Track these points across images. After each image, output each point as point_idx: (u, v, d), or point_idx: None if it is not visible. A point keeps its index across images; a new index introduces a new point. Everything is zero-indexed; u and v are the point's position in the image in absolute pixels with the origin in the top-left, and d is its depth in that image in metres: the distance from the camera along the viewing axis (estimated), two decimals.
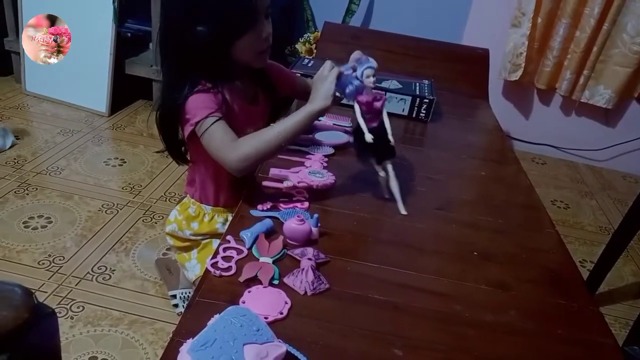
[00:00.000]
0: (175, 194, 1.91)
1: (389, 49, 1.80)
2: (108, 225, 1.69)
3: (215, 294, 0.69)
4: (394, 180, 0.94)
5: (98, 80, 2.39)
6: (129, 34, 2.57)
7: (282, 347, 0.57)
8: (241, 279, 0.71)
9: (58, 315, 0.94)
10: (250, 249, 0.78)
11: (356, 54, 0.92)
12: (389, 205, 0.97)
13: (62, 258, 1.52)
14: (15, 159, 2.00)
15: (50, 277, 1.45)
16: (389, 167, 0.94)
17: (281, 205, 0.90)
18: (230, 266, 0.74)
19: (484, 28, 2.47)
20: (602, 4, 2.26)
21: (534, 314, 0.75)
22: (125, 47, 2.46)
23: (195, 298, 0.68)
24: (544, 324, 0.73)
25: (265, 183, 0.97)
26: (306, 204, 0.92)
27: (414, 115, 1.43)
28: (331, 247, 0.81)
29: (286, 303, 0.68)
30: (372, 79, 0.87)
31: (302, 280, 0.71)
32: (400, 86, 1.46)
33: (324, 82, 0.89)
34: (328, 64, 0.91)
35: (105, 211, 1.76)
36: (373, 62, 0.89)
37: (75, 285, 1.43)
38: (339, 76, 0.89)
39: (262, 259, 0.76)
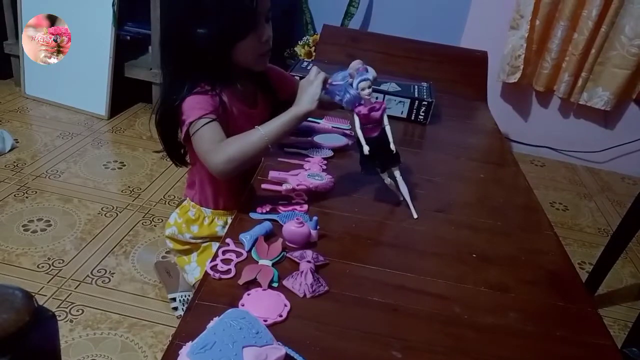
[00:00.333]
0: (175, 196, 1.91)
1: (388, 52, 1.80)
2: (107, 228, 1.69)
3: (214, 297, 0.69)
4: (403, 186, 0.95)
5: (97, 84, 2.39)
6: (129, 37, 2.58)
7: (281, 350, 0.57)
8: (240, 281, 0.71)
9: (57, 318, 0.94)
10: (249, 251, 0.78)
11: (355, 64, 0.92)
12: (388, 207, 0.98)
13: (61, 261, 1.52)
14: (14, 162, 2.00)
15: (50, 280, 1.45)
16: (397, 173, 0.94)
17: (280, 207, 0.91)
18: (230, 269, 0.74)
19: (482, 30, 2.47)
20: (600, 6, 2.26)
21: (533, 316, 0.75)
22: (125, 50, 2.46)
23: (195, 301, 0.68)
24: (543, 325, 0.73)
25: (264, 186, 0.97)
26: (305, 207, 0.92)
27: (412, 118, 1.43)
28: (330, 249, 0.81)
29: (285, 306, 0.68)
30: (367, 91, 0.88)
31: (302, 282, 0.71)
32: (399, 89, 1.46)
33: (310, 86, 0.89)
34: (314, 69, 0.91)
35: (105, 214, 1.76)
36: (370, 74, 0.89)
37: (75, 288, 1.43)
38: (325, 82, 0.90)
39: (261, 262, 0.76)
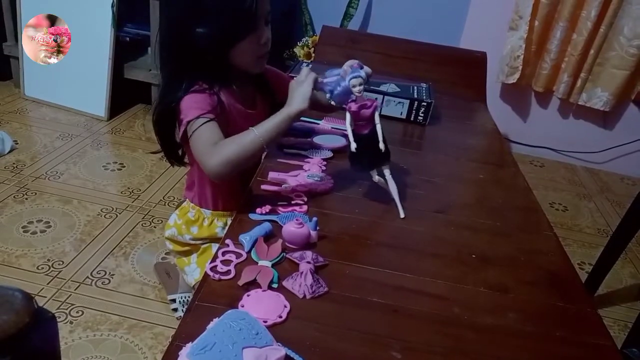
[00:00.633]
0: (174, 198, 1.91)
1: (387, 53, 1.80)
2: (107, 229, 1.69)
3: (214, 298, 0.69)
4: (392, 184, 0.94)
5: (97, 85, 2.39)
6: (128, 39, 2.58)
7: (281, 351, 0.57)
8: (240, 282, 0.71)
9: (57, 319, 0.94)
10: (249, 252, 0.78)
11: (350, 62, 0.92)
12: (387, 208, 0.98)
13: (61, 262, 1.52)
14: (14, 163, 2.00)
15: (50, 281, 1.45)
16: (386, 171, 0.94)
17: (280, 208, 0.91)
18: (230, 270, 0.74)
19: (481, 31, 2.48)
20: (598, 7, 2.27)
21: (533, 317, 0.75)
22: (124, 51, 2.46)
23: (195, 302, 0.68)
24: (543, 326, 0.73)
25: (264, 187, 0.97)
26: (305, 208, 0.92)
27: (412, 119, 1.43)
28: (330, 250, 0.81)
29: (285, 306, 0.68)
30: (358, 88, 0.88)
31: (301, 283, 0.71)
32: (398, 89, 1.46)
33: (300, 86, 0.88)
34: (305, 69, 0.91)
35: (104, 215, 1.76)
36: (363, 72, 0.89)
37: (75, 289, 1.43)
38: (316, 82, 0.90)
39: (261, 263, 0.76)
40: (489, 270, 0.84)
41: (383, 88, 1.45)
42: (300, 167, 1.06)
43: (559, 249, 0.93)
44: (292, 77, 1.11)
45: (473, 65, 1.80)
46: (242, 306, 0.67)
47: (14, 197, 1.79)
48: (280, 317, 0.66)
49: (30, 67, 2.46)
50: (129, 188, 1.94)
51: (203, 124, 0.91)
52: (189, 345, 0.56)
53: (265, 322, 0.64)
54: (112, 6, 2.23)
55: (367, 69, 0.91)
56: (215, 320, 0.60)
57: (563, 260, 0.90)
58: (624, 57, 2.35)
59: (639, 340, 1.36)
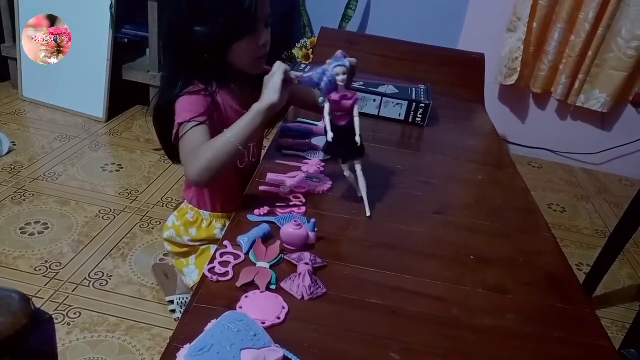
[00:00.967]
0: (173, 199, 1.91)
1: (385, 54, 1.80)
2: (105, 231, 1.69)
3: (212, 299, 0.69)
4: (362, 181, 0.93)
5: (95, 86, 2.39)
6: (126, 40, 2.58)
7: (279, 352, 0.57)
8: (238, 284, 0.71)
9: (55, 321, 0.94)
10: (247, 254, 0.78)
11: (337, 53, 0.91)
12: (386, 209, 0.98)
13: (59, 264, 1.52)
14: (12, 164, 1.99)
15: (47, 283, 1.44)
16: (358, 167, 0.93)
17: (278, 210, 0.91)
18: (228, 271, 0.74)
19: (479, 33, 2.48)
20: (596, 8, 2.27)
21: (531, 318, 0.75)
22: (122, 52, 2.46)
23: (193, 303, 0.68)
24: (541, 327, 0.73)
25: (262, 188, 0.97)
26: (303, 209, 0.92)
27: (410, 120, 1.43)
28: (328, 251, 0.81)
29: (283, 308, 0.68)
30: (342, 77, 0.87)
31: (299, 285, 0.71)
32: (397, 91, 1.46)
33: (271, 79, 0.87)
34: (277, 63, 0.89)
35: (102, 217, 1.76)
36: (347, 62, 0.88)
37: (72, 291, 1.43)
38: (286, 73, 0.88)
39: (259, 264, 0.76)
40: (488, 271, 0.84)
41: (381, 89, 1.45)
42: (299, 169, 1.06)
43: (557, 250, 0.93)
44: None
45: (471, 66, 1.80)
46: (240, 307, 0.67)
47: (11, 198, 1.79)
48: (279, 318, 0.66)
49: (29, 68, 2.46)
50: (127, 189, 1.94)
51: (192, 128, 0.91)
52: (187, 346, 0.56)
53: (263, 323, 0.64)
54: (111, 7, 2.23)
55: (351, 59, 0.90)
56: (213, 321, 0.60)
57: (561, 262, 0.90)
58: (622, 58, 2.35)
59: (636, 340, 1.36)
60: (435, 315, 0.72)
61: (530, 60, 2.50)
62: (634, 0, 2.25)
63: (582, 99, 2.49)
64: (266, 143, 1.20)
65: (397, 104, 1.43)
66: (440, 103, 1.53)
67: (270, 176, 1.01)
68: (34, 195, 1.82)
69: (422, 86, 1.54)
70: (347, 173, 0.94)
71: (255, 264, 0.76)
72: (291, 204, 0.93)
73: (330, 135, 0.87)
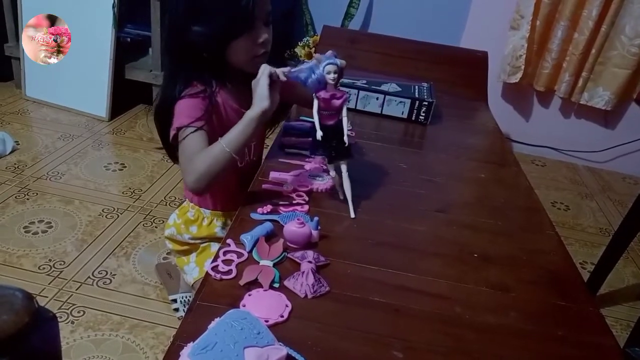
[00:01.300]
0: (176, 198, 1.91)
1: (388, 52, 1.80)
2: (108, 229, 1.69)
3: (215, 298, 0.69)
4: (346, 182, 0.92)
5: (98, 85, 2.40)
6: (129, 39, 2.58)
7: (282, 350, 0.57)
8: (241, 282, 0.71)
9: (59, 319, 0.94)
10: (250, 252, 0.78)
11: (327, 52, 0.90)
12: (388, 207, 0.98)
13: (62, 263, 1.52)
14: (15, 164, 2.00)
15: (51, 281, 1.45)
16: (343, 167, 0.92)
17: (281, 208, 0.91)
18: (231, 269, 0.74)
19: (482, 31, 2.47)
20: (600, 6, 2.26)
21: (535, 316, 0.75)
22: (125, 52, 2.46)
23: (196, 302, 0.68)
24: (545, 325, 0.73)
25: (265, 186, 0.97)
26: (306, 207, 0.92)
27: (413, 118, 1.43)
28: (331, 249, 0.81)
29: (287, 306, 0.68)
30: (332, 76, 0.86)
31: (303, 283, 0.71)
32: (400, 89, 1.46)
33: (257, 85, 0.87)
34: (262, 66, 0.88)
35: (106, 216, 1.76)
36: (337, 61, 0.87)
37: (76, 289, 1.43)
38: (272, 76, 0.87)
39: (262, 262, 0.76)
40: (491, 269, 0.84)
41: (384, 88, 1.45)
42: (302, 167, 1.06)
43: (561, 248, 0.93)
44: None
45: (474, 64, 1.80)
46: (244, 306, 0.67)
47: (15, 197, 1.80)
48: (282, 316, 0.66)
49: (32, 68, 2.47)
50: (130, 188, 1.94)
51: (189, 134, 0.92)
52: (191, 344, 0.56)
53: (266, 321, 0.64)
54: (113, 7, 2.23)
55: (341, 60, 0.89)
56: (217, 319, 0.60)
57: (565, 260, 0.90)
58: (626, 56, 2.34)
59: None
60: (437, 314, 0.72)
61: (533, 58, 2.49)
62: None
63: (586, 96, 2.49)
64: (268, 142, 1.20)
65: (400, 102, 1.42)
66: (443, 101, 1.52)
67: (273, 174, 1.01)
68: (37, 194, 1.83)
69: (425, 84, 1.54)
70: (332, 173, 0.93)
71: (259, 262, 0.76)
72: (294, 202, 0.93)
73: (319, 133, 0.86)
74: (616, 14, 2.27)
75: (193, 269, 1.17)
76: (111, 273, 1.50)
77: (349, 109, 0.91)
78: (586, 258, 1.91)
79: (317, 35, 2.53)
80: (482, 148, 1.44)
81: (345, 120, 0.88)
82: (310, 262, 0.75)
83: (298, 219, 0.80)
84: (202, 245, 1.16)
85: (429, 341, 0.67)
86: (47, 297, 1.39)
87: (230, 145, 0.87)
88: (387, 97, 1.43)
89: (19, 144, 2.13)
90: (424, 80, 1.57)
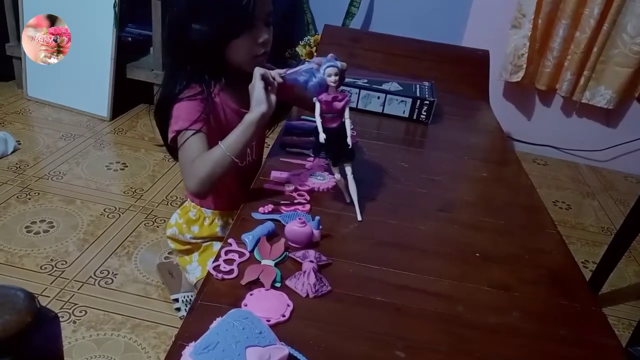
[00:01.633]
0: (177, 197, 1.91)
1: (389, 51, 1.80)
2: (110, 229, 1.70)
3: (217, 297, 0.69)
4: (352, 184, 0.92)
5: (99, 85, 2.40)
6: (130, 39, 2.58)
7: (284, 350, 0.57)
8: (243, 281, 0.71)
9: (60, 319, 0.94)
10: (252, 251, 0.78)
11: (328, 55, 0.90)
12: (390, 207, 0.98)
13: (64, 262, 1.52)
14: (17, 164, 2.00)
15: (53, 281, 1.45)
16: (348, 169, 0.91)
17: (282, 207, 0.91)
18: (232, 269, 0.74)
19: (484, 29, 2.47)
20: (601, 4, 2.26)
21: (537, 315, 0.75)
22: (126, 51, 2.46)
23: (198, 301, 0.68)
24: (547, 325, 0.73)
25: (266, 186, 0.97)
26: (307, 207, 0.92)
27: (414, 117, 1.43)
28: (333, 249, 0.81)
29: (288, 306, 0.68)
30: (333, 78, 0.86)
31: (304, 282, 0.71)
32: (401, 88, 1.46)
33: (253, 89, 0.88)
34: (256, 69, 0.89)
35: (107, 215, 1.76)
36: (338, 63, 0.87)
37: (78, 289, 1.43)
38: (266, 79, 0.88)
39: (264, 262, 0.76)
40: (493, 268, 0.84)
41: (385, 87, 1.45)
42: (303, 166, 1.06)
43: (563, 247, 0.93)
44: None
45: (476, 63, 1.79)
46: (245, 305, 0.67)
47: (17, 197, 1.80)
48: (284, 316, 0.66)
49: (33, 68, 2.47)
50: (131, 188, 1.94)
51: (189, 137, 0.93)
52: (192, 344, 0.56)
53: (268, 321, 0.64)
54: (114, 6, 2.23)
55: (342, 63, 0.89)
56: (219, 319, 0.60)
57: (567, 259, 0.90)
58: (628, 54, 2.34)
59: None
60: (439, 313, 0.72)
61: (534, 57, 2.48)
62: None
63: (587, 95, 2.48)
64: (269, 141, 1.20)
65: (402, 101, 1.42)
66: (445, 100, 1.52)
67: (275, 174, 1.00)
68: (39, 194, 1.83)
69: (427, 83, 1.54)
70: (337, 176, 0.93)
71: (260, 262, 0.76)
72: (295, 201, 0.93)
73: (322, 136, 0.86)
74: (618, 12, 2.27)
75: (195, 268, 1.17)
76: (113, 273, 1.51)
77: (350, 109, 0.91)
78: (588, 257, 1.91)
79: (318, 35, 2.53)
80: (484, 147, 1.44)
81: (348, 122, 0.88)
82: (311, 261, 0.75)
83: (299, 219, 0.80)
84: (204, 244, 1.16)
85: (431, 340, 0.67)
86: (49, 296, 1.40)
87: (230, 149, 0.88)
88: (389, 96, 1.42)
89: (20, 144, 2.14)
90: (425, 79, 1.57)
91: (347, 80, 1.41)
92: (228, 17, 0.92)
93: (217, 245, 1.14)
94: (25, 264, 1.50)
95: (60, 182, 1.92)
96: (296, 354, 0.59)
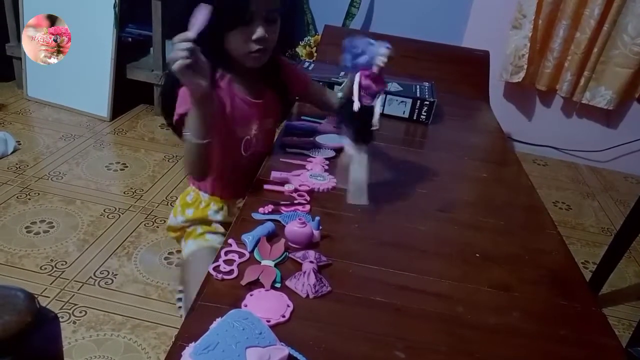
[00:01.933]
0: (177, 197, 1.91)
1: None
2: (110, 229, 1.69)
3: (217, 298, 0.69)
4: (364, 168, 0.90)
5: (99, 85, 2.40)
6: (130, 39, 2.59)
7: (284, 350, 0.57)
8: (243, 282, 0.71)
9: (60, 320, 0.94)
10: (252, 252, 0.78)
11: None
12: (390, 207, 0.97)
13: (64, 263, 1.52)
14: (17, 164, 2.00)
15: (53, 282, 1.45)
16: (364, 151, 0.90)
17: (282, 208, 0.90)
18: (232, 269, 0.74)
19: (484, 30, 2.47)
20: (602, 5, 2.26)
21: (537, 316, 0.75)
22: (126, 52, 2.47)
23: (198, 302, 0.68)
24: (547, 325, 0.73)
25: (266, 186, 0.97)
26: (307, 207, 0.92)
27: (414, 118, 1.43)
28: (333, 249, 0.81)
29: (288, 306, 0.68)
30: (384, 59, 0.86)
31: (304, 283, 0.71)
32: (401, 89, 1.46)
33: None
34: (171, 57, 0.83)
35: (107, 216, 1.76)
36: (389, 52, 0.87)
37: (78, 290, 1.43)
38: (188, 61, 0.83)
39: (263, 262, 0.76)
40: (493, 269, 0.84)
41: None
42: (303, 167, 1.06)
43: (563, 247, 0.93)
44: (309, 78, 1.13)
45: (476, 64, 1.79)
46: (245, 306, 0.67)
47: (17, 197, 1.80)
48: (284, 316, 0.66)
49: (33, 68, 2.47)
50: (131, 188, 1.94)
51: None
52: (192, 345, 0.56)
53: (268, 321, 0.64)
54: (115, 7, 2.24)
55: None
56: (218, 320, 0.60)
57: (567, 259, 0.89)
58: (628, 55, 2.34)
59: None
60: (440, 313, 0.72)
61: (535, 58, 2.49)
62: None
63: (588, 96, 2.48)
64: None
65: (402, 101, 1.42)
66: (445, 100, 1.52)
67: (275, 174, 1.00)
68: (39, 194, 1.83)
69: (427, 84, 1.54)
70: (347, 147, 0.91)
71: (260, 262, 0.76)
72: (295, 202, 0.93)
73: (357, 104, 0.86)
74: (618, 12, 2.27)
75: (185, 245, 1.17)
76: (113, 273, 1.51)
77: None
78: (588, 258, 1.90)
79: (318, 35, 2.53)
80: (484, 147, 1.44)
81: (378, 106, 0.88)
82: (311, 262, 0.75)
83: (299, 219, 0.80)
84: (188, 230, 1.17)
85: (431, 341, 0.67)
86: (48, 297, 1.40)
87: (191, 131, 0.89)
88: (389, 96, 1.42)
89: (20, 144, 2.14)
90: (425, 79, 1.57)
91: None
92: (224, 10, 0.92)
93: (200, 229, 1.14)
94: (25, 265, 1.50)
95: (60, 183, 1.92)
96: (296, 354, 0.59)
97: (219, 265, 0.74)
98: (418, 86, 1.50)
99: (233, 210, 1.14)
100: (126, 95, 2.52)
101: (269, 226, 0.83)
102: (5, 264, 1.49)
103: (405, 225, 0.93)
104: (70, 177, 1.96)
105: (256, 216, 0.88)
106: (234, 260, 0.76)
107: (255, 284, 0.71)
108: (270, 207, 0.90)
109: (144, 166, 2.10)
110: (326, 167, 1.07)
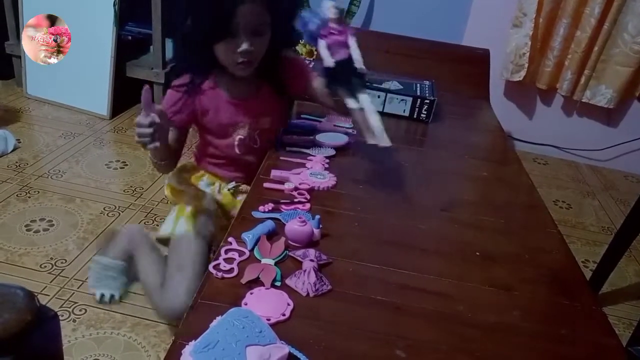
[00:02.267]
0: None
1: (390, 50, 1.80)
2: (110, 228, 1.69)
3: (217, 296, 0.69)
4: (372, 113, 0.89)
5: (99, 83, 2.40)
6: (130, 37, 2.58)
7: (284, 349, 0.57)
8: (243, 280, 0.71)
9: (60, 318, 0.94)
10: (252, 250, 0.78)
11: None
12: (391, 206, 0.97)
13: (64, 261, 1.52)
14: (17, 162, 2.00)
15: (53, 280, 1.45)
16: (364, 97, 0.89)
17: (283, 206, 0.90)
18: (232, 268, 0.74)
19: (484, 28, 2.47)
20: (602, 3, 2.26)
21: (537, 315, 0.75)
22: (126, 50, 2.46)
23: (198, 300, 0.68)
24: (547, 324, 0.73)
25: (266, 185, 0.97)
26: (308, 206, 0.92)
27: (415, 116, 1.43)
28: (333, 248, 0.81)
29: (288, 305, 0.68)
30: (333, 10, 0.87)
31: (305, 281, 0.71)
32: (401, 87, 1.46)
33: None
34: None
35: (107, 214, 1.76)
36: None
37: (78, 288, 1.43)
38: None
39: (264, 261, 0.76)
40: (493, 268, 0.84)
41: (386, 85, 1.44)
42: (303, 165, 1.06)
43: (563, 246, 0.93)
44: (314, 76, 1.14)
45: (476, 62, 1.79)
46: (245, 304, 0.67)
47: (17, 195, 1.80)
48: (284, 315, 0.66)
49: (33, 66, 2.47)
50: (131, 186, 1.94)
51: None
52: (192, 343, 0.56)
53: (268, 320, 0.64)
54: (114, 5, 2.23)
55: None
56: (219, 318, 0.59)
57: (567, 258, 0.89)
58: (628, 54, 2.34)
59: None
60: (440, 312, 0.72)
61: (535, 56, 2.48)
62: None
63: (588, 94, 2.48)
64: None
65: (402, 100, 1.42)
66: (445, 99, 1.52)
67: (275, 173, 1.00)
68: (39, 192, 1.83)
69: (427, 82, 1.54)
70: (355, 105, 0.90)
71: (260, 261, 0.76)
72: (296, 200, 0.93)
73: (330, 61, 0.87)
74: (618, 11, 2.26)
75: (166, 222, 1.20)
76: None
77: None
78: (588, 256, 1.90)
79: None
80: (484, 146, 1.43)
81: (354, 50, 0.88)
82: (312, 260, 0.75)
83: (300, 217, 0.80)
84: (175, 207, 1.20)
85: (431, 340, 0.67)
86: (48, 295, 1.40)
87: (151, 155, 1.07)
88: (389, 95, 1.42)
89: (20, 142, 2.14)
90: (425, 78, 1.57)
91: None
92: (210, 22, 0.97)
93: (188, 209, 1.17)
94: (25, 263, 1.50)
95: (60, 181, 1.92)
96: (296, 353, 0.59)
97: (219, 264, 0.74)
98: (418, 85, 1.50)
99: (224, 191, 1.19)
100: (126, 94, 2.51)
101: (269, 225, 0.83)
102: (5, 262, 1.49)
103: (405, 224, 0.93)
104: (70, 175, 1.96)
105: (256, 214, 0.88)
106: (234, 259, 0.76)
107: (256, 282, 0.71)
108: (270, 206, 0.90)
109: (144, 164, 2.10)
110: (326, 166, 1.07)
